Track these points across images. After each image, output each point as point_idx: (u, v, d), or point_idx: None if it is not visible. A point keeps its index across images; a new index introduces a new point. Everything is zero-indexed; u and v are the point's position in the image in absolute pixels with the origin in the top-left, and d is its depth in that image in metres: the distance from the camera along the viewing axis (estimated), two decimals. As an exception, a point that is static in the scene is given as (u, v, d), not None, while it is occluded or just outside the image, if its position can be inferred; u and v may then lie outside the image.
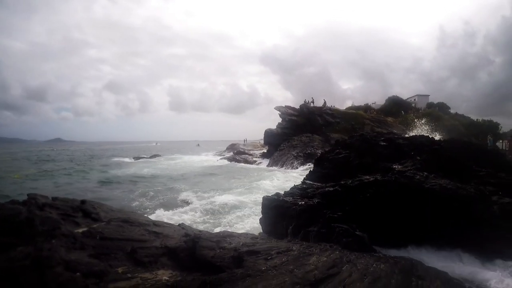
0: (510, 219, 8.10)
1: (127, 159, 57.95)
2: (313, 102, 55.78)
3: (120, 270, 4.79)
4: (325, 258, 5.74)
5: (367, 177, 9.14)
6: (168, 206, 16.30)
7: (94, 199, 9.49)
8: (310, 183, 10.90)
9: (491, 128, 57.65)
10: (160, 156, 60.33)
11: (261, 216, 9.91)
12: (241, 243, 5.88)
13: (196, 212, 14.67)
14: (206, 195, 18.86)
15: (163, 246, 5.64)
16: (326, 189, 9.46)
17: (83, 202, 7.40)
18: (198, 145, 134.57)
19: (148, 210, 15.38)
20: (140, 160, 56.33)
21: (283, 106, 56.74)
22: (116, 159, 60.47)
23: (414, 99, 70.28)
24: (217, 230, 10.45)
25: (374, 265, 5.87)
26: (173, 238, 6.13)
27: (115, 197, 19.59)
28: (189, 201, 17.02)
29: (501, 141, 35.64)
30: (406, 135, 15.30)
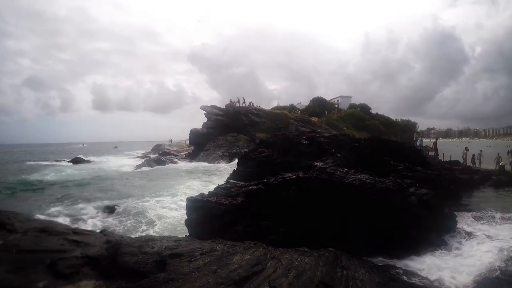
0: (426, 208, 9.02)
1: (44, 163, 53.87)
2: (239, 102, 56.47)
3: (40, 284, 4.57)
4: (249, 256, 5.94)
5: (290, 174, 9.51)
6: (88, 212, 15.47)
7: (9, 209, 8.82)
8: (233, 182, 11.09)
9: (409, 127, 62.82)
10: (82, 158, 56.72)
11: (186, 218, 9.75)
12: (163, 247, 5.84)
13: (118, 218, 14.14)
14: (128, 199, 18.16)
15: (84, 255, 5.42)
16: (250, 187, 9.67)
17: (-4, 213, 6.90)
18: (116, 147, 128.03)
19: (67, 217, 14.42)
20: (59, 163, 52.59)
21: (209, 106, 56.62)
22: (33, 163, 55.93)
23: (338, 100, 74.53)
24: (138, 235, 10.24)
25: (299, 259, 6.20)
26: (94, 246, 5.90)
27: (30, 205, 18.08)
28: (110, 207, 16.18)
29: (420, 138, 38.52)
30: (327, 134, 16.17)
